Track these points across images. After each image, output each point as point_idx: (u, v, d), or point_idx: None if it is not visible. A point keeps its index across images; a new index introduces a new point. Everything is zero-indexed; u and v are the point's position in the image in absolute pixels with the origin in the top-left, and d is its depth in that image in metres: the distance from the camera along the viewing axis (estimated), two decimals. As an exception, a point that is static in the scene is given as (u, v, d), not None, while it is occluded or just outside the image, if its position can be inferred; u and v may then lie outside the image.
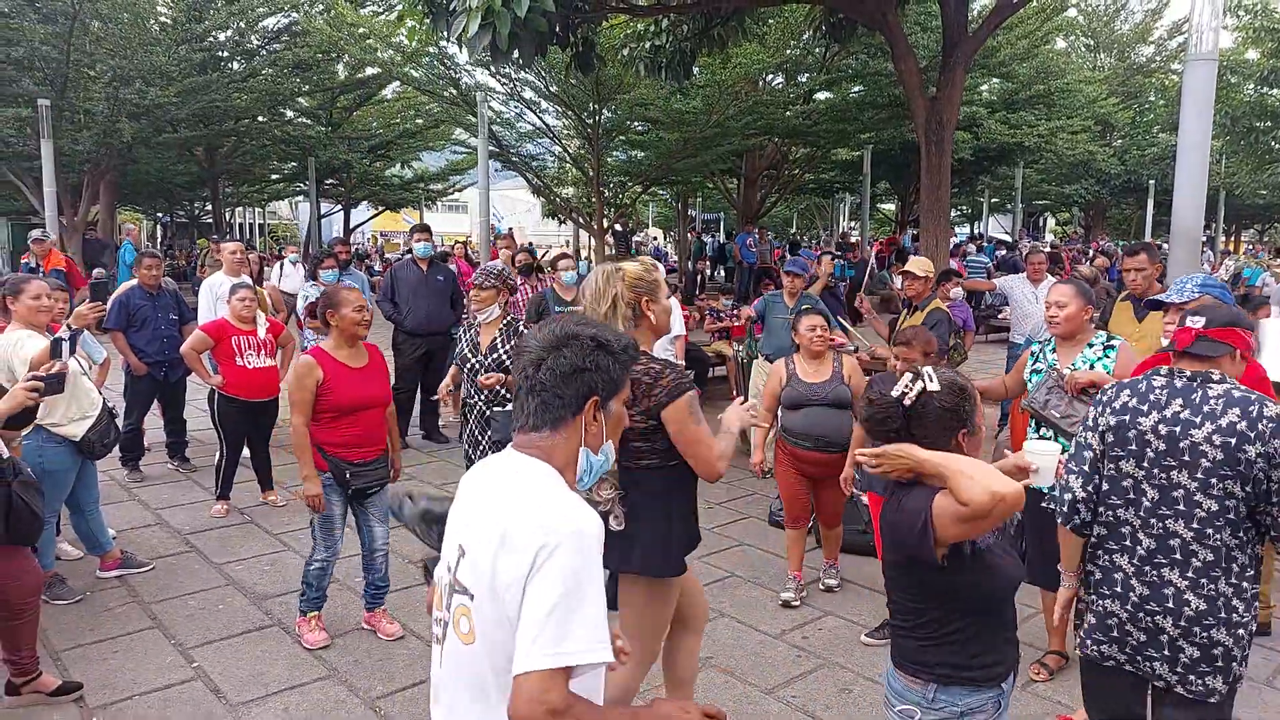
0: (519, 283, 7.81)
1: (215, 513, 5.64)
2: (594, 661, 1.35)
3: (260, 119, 19.47)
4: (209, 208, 22.98)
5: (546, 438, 1.56)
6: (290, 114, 21.10)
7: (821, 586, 4.67)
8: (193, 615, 4.25)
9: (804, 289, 6.49)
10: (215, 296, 6.59)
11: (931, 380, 2.01)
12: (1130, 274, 4.63)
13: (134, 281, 6.40)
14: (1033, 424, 3.68)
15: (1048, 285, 7.57)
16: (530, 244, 15.43)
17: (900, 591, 2.11)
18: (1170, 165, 25.61)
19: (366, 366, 3.94)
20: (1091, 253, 20.44)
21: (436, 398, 4.89)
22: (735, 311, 9.54)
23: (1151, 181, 25.64)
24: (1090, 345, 3.60)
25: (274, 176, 25.13)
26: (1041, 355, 3.75)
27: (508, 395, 4.43)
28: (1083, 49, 31.37)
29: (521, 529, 1.42)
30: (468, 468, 4.46)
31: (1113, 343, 3.58)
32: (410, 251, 7.66)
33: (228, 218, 27.07)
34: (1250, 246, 27.50)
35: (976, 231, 30.11)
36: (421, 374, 7.24)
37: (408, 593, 4.44)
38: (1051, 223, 41.22)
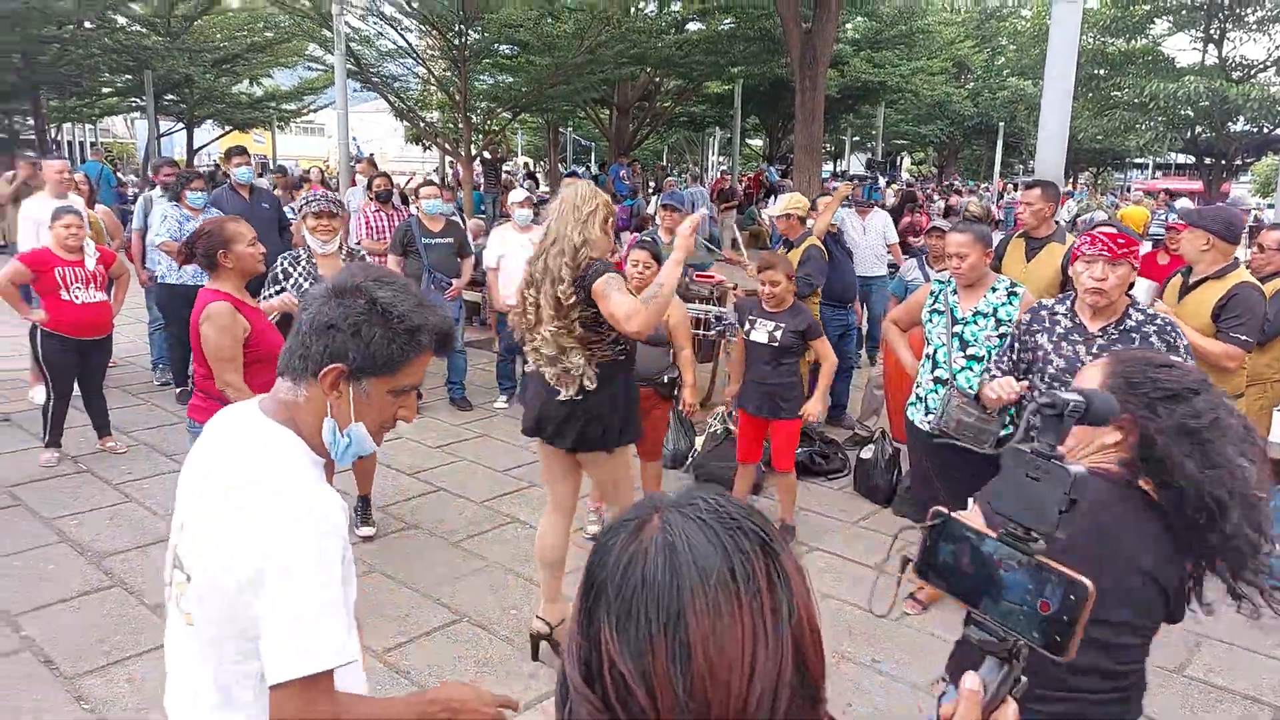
0: (374, 209, 7.44)
1: (44, 462, 5.14)
2: (345, 663, 1.30)
3: (87, 25, 17.43)
4: (31, 123, 20.53)
5: (290, 390, 1.42)
6: (122, 21, 19.00)
7: (585, 535, 4.28)
8: (18, 577, 3.85)
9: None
10: (37, 222, 5.92)
11: None
12: (1022, 209, 4.48)
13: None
14: (925, 362, 3.72)
15: (874, 217, 7.48)
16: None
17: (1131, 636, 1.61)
18: (1018, 108, 26.80)
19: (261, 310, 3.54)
20: (931, 194, 20.82)
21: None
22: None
23: (1001, 124, 26.93)
24: (994, 290, 3.51)
25: (105, 90, 22.69)
26: (942, 296, 3.63)
27: None
28: (942, -9, 32.29)
29: (247, 535, 1.28)
30: None
31: (1016, 290, 3.51)
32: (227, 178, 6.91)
33: (53, 134, 24.31)
34: (1086, 189, 29.55)
35: (839, 169, 30.95)
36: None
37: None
38: (907, 162, 42.82)
